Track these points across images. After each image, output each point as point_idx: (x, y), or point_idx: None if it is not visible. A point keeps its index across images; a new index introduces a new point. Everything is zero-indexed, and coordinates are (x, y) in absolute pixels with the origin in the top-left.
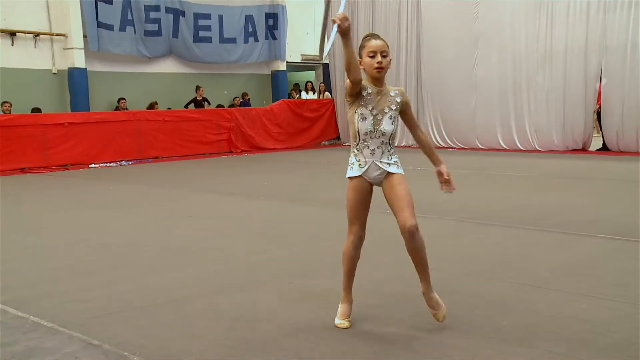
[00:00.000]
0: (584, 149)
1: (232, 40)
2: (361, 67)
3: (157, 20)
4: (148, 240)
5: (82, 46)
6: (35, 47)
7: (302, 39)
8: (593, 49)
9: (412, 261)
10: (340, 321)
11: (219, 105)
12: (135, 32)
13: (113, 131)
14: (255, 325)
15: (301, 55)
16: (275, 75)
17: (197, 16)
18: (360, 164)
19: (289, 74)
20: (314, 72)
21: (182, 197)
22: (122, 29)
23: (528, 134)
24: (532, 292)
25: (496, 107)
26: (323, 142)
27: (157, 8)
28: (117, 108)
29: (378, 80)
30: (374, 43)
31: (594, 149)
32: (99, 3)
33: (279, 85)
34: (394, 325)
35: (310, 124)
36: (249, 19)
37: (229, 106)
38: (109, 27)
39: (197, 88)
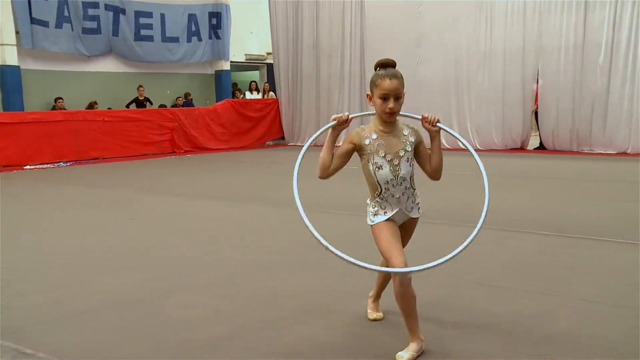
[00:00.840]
0: (522, 148)
1: (175, 40)
2: (371, 104)
3: (96, 18)
4: (90, 244)
5: (15, 43)
6: None
7: (246, 38)
8: (530, 50)
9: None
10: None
11: (162, 105)
12: (72, 30)
13: (50, 131)
14: (202, 327)
15: (245, 55)
16: (219, 75)
17: (138, 14)
18: (386, 212)
19: (233, 74)
20: (258, 72)
21: (125, 198)
22: (59, 25)
23: (469, 133)
24: (474, 289)
25: (439, 107)
26: (268, 142)
27: (95, 5)
28: (54, 108)
29: (387, 123)
30: (388, 85)
31: (532, 148)
32: None
33: (222, 85)
34: (338, 325)
35: (254, 124)
36: (191, 17)
37: (172, 106)
38: (44, 24)
39: (139, 87)
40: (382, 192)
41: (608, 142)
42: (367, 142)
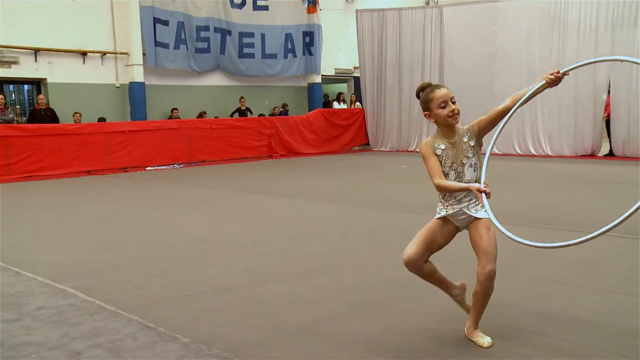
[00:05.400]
0: (592, 155)
1: (273, 56)
2: (431, 119)
3: (206, 39)
4: (199, 235)
5: (141, 63)
6: (102, 64)
7: (335, 54)
8: (602, 64)
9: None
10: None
11: (261, 115)
12: (187, 50)
13: (167, 137)
14: (294, 313)
15: (335, 69)
16: (311, 87)
17: (242, 35)
18: (447, 210)
19: (323, 86)
20: (345, 84)
21: (227, 196)
22: (177, 47)
23: (542, 140)
24: (546, 286)
25: (512, 117)
26: (354, 148)
27: (206, 28)
28: (170, 117)
29: (451, 128)
30: (442, 92)
31: (602, 155)
32: (157, 25)
33: (314, 96)
34: (410, 318)
35: (342, 131)
36: (288, 36)
37: (269, 115)
38: (165, 46)
39: (241, 99)
40: (446, 194)
41: None
42: (437, 152)
